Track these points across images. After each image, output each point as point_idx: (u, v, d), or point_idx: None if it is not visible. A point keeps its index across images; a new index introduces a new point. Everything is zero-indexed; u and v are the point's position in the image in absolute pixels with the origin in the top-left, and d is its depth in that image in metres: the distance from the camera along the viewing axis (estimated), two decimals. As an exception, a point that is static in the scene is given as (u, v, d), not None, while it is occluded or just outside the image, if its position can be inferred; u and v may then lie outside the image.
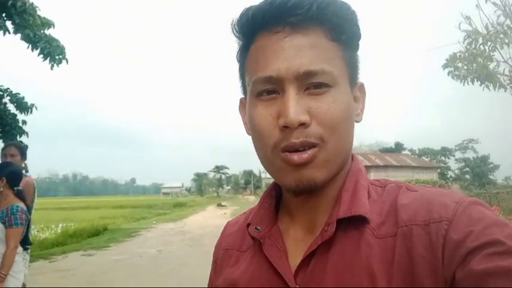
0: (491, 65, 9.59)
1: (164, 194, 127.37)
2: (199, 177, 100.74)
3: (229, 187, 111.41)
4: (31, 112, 8.89)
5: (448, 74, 10.07)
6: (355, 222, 0.61)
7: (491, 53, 9.54)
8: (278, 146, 0.61)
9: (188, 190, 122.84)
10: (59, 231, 15.42)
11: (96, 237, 14.35)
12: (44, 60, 8.23)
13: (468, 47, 9.79)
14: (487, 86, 9.62)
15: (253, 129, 0.65)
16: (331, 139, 0.60)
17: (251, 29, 0.65)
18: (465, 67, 9.96)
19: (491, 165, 52.75)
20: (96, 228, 15.99)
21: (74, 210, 35.80)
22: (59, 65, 8.35)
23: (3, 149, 4.14)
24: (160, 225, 19.12)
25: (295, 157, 0.60)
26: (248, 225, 0.72)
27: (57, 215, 26.46)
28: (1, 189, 3.28)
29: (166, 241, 12.74)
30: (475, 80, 9.67)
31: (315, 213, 0.67)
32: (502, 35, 9.42)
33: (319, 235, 0.62)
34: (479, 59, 9.68)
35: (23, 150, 4.21)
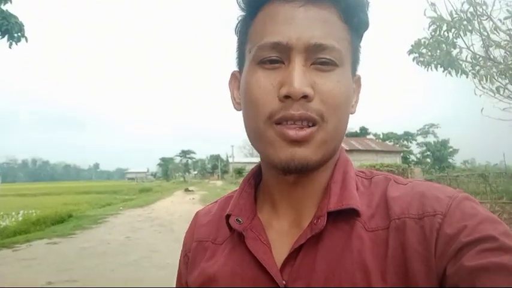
0: (454, 52, 9.90)
1: (129, 179, 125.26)
2: (165, 162, 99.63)
3: (196, 172, 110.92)
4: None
5: (413, 60, 10.30)
6: (345, 215, 0.59)
7: (455, 40, 9.83)
8: (274, 116, 0.58)
9: (154, 175, 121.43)
10: (20, 218, 14.78)
11: (61, 225, 13.93)
12: (1, 39, 7.78)
13: (433, 33, 10.04)
14: (449, 72, 9.94)
15: (248, 98, 0.61)
16: (332, 119, 0.58)
17: None
18: (429, 53, 10.24)
19: (450, 150, 54.78)
20: (60, 216, 15.46)
21: (34, 196, 34.63)
22: (18, 44, 7.91)
23: None
24: (128, 211, 18.76)
25: (292, 132, 0.57)
26: (228, 216, 0.67)
27: (17, 201, 25.49)
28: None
29: (134, 228, 12.51)
30: (439, 66, 9.96)
31: (301, 205, 0.64)
32: (465, 22, 9.72)
33: (308, 228, 0.60)
34: (443, 46, 9.96)
35: None
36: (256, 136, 0.62)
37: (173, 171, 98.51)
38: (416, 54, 10.19)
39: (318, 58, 0.58)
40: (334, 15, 0.60)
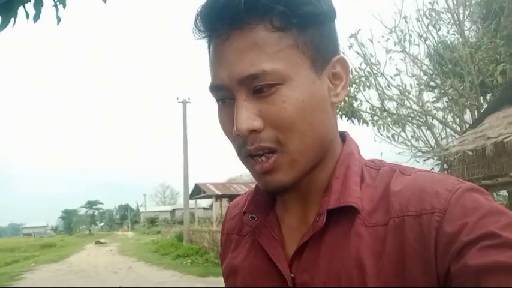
0: (356, 104, 11.60)
1: (25, 234, 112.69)
2: (68, 214, 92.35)
3: (102, 224, 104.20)
4: None
5: None
6: (346, 212, 0.59)
7: (356, 93, 11.56)
8: (240, 152, 0.61)
9: (55, 229, 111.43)
10: None
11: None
12: None
13: None
14: (352, 121, 11.58)
15: (223, 132, 0.64)
16: (290, 139, 0.58)
17: (200, 34, 0.62)
18: None
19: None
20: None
21: None
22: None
23: None
24: (43, 266, 17.62)
25: (257, 167, 0.59)
26: (244, 213, 0.71)
27: None
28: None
29: (62, 280, 12.08)
30: (343, 115, 11.57)
31: (306, 203, 0.66)
32: (363, 79, 11.52)
33: (311, 226, 0.62)
34: (346, 98, 11.63)
35: None
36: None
37: (77, 224, 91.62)
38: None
39: (255, 87, 0.57)
40: (262, 31, 0.56)
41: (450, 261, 0.50)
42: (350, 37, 12.14)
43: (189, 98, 23.42)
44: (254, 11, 0.56)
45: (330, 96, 0.63)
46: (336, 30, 0.65)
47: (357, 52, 11.88)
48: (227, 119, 0.61)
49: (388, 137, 11.91)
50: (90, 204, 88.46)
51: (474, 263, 0.47)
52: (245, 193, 0.82)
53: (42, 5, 2.65)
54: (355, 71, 11.65)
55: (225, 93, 0.60)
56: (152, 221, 55.32)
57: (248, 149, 0.59)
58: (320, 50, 0.61)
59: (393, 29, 11.56)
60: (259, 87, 0.57)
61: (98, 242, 36.92)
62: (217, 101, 0.62)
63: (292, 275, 0.62)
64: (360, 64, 11.86)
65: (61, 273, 14.40)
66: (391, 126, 11.87)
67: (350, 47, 11.96)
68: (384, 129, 11.91)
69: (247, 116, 0.57)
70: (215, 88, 0.61)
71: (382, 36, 11.70)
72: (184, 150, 22.74)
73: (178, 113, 23.28)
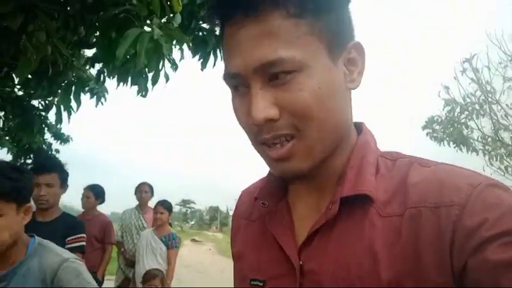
0: (465, 131, 11.30)
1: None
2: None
3: (193, 222, 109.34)
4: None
5: (427, 135, 11.71)
6: (359, 201, 0.59)
7: (467, 121, 11.27)
8: (256, 140, 0.61)
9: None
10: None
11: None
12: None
13: (447, 114, 11.50)
14: (461, 149, 11.29)
15: (238, 122, 0.64)
16: (308, 126, 0.57)
17: (217, 21, 0.62)
18: (442, 130, 11.62)
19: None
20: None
21: None
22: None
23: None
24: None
25: (273, 153, 0.59)
26: (256, 199, 0.71)
27: None
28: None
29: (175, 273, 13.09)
30: (451, 142, 11.35)
31: (319, 191, 0.65)
32: (477, 106, 11.18)
33: (324, 214, 0.61)
34: (456, 125, 11.40)
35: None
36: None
37: (172, 220, 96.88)
38: (430, 130, 11.62)
39: (271, 75, 0.56)
40: (278, 19, 0.56)
41: (468, 255, 0.49)
42: (464, 62, 11.87)
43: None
44: None
45: (346, 83, 0.62)
46: (351, 15, 0.64)
47: (471, 79, 11.61)
48: (242, 108, 0.60)
49: (500, 168, 11.44)
50: (184, 202, 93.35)
51: (494, 258, 0.47)
52: (259, 180, 0.81)
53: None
54: (468, 97, 11.38)
55: (240, 82, 0.59)
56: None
57: (265, 137, 0.59)
58: (336, 36, 0.60)
59: (513, 57, 11.14)
60: (275, 75, 0.56)
61: (193, 240, 38.83)
62: (232, 89, 0.62)
63: (301, 262, 0.61)
64: (475, 91, 11.57)
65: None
66: (505, 157, 11.41)
67: (463, 72, 11.71)
68: (496, 160, 11.47)
69: (263, 105, 0.56)
70: (230, 76, 0.60)
71: (500, 63, 11.30)
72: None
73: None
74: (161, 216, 4.42)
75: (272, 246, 0.67)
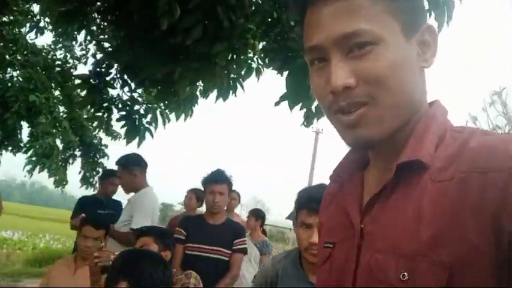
0: None
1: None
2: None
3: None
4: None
5: None
6: (416, 168, 0.60)
7: None
8: (331, 108, 0.64)
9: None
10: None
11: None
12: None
13: None
14: None
15: (314, 95, 0.69)
16: (382, 94, 0.60)
17: (300, 7, 0.68)
18: None
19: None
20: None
21: (31, 218, 31.23)
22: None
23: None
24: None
25: (345, 119, 0.62)
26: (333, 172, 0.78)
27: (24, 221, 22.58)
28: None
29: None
30: None
31: (385, 161, 0.67)
32: None
33: (383, 181, 0.65)
34: None
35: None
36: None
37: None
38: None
39: (350, 46, 0.60)
40: None
41: None
42: (493, 95, 11.92)
43: (322, 129, 23.14)
44: None
45: (420, 62, 0.65)
46: (423, 1, 0.67)
47: (499, 112, 11.68)
48: (319, 80, 0.64)
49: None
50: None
51: None
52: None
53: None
54: (494, 129, 11.49)
55: (320, 55, 0.64)
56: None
57: (341, 105, 0.62)
58: (410, 18, 0.64)
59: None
60: (356, 45, 0.60)
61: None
62: (311, 63, 0.66)
63: (362, 225, 0.65)
64: (505, 126, 11.63)
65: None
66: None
67: (491, 104, 11.75)
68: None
69: (342, 74, 0.60)
70: (311, 49, 0.64)
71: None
72: (310, 175, 22.59)
73: (310, 142, 22.12)
74: (256, 223, 4.66)
75: (342, 213, 0.72)
